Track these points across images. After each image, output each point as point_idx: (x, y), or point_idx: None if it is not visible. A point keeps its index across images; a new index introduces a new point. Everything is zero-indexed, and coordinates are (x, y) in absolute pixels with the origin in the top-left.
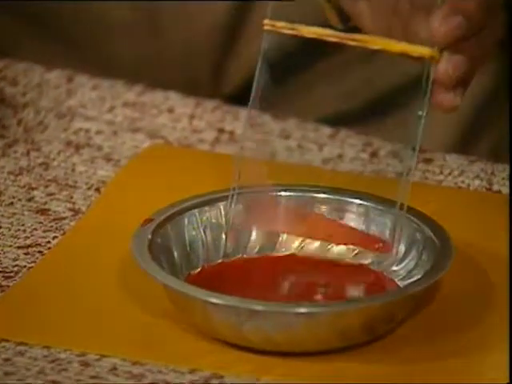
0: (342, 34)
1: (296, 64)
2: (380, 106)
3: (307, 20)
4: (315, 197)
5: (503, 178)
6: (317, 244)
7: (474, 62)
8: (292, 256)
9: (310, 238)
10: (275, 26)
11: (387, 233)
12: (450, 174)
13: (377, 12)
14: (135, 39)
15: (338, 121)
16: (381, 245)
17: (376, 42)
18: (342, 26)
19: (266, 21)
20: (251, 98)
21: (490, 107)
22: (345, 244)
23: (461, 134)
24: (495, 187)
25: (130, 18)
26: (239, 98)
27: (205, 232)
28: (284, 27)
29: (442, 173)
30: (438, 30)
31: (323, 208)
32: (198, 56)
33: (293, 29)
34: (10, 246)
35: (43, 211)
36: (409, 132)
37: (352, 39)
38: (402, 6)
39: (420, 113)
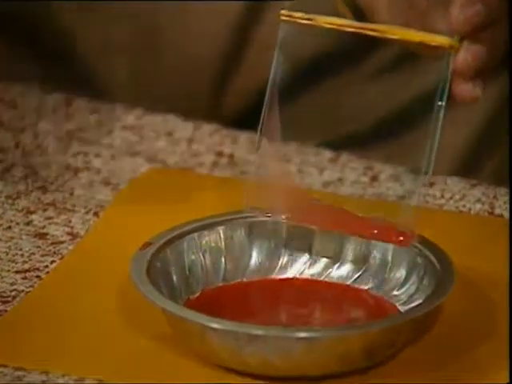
0: (360, 24)
1: (298, 88)
2: (384, 130)
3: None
4: None
5: (505, 202)
6: (317, 268)
7: (493, 52)
8: (292, 280)
9: (329, 229)
10: (292, 17)
11: (389, 256)
12: (451, 197)
13: (394, 6)
14: (134, 57)
15: (339, 145)
16: (402, 238)
17: (394, 32)
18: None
19: (283, 11)
20: (268, 91)
21: (492, 131)
22: (365, 236)
23: (463, 158)
24: (497, 211)
25: (129, 36)
26: (241, 120)
27: (204, 256)
28: (301, 17)
29: (443, 196)
30: (457, 18)
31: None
32: (199, 73)
33: (310, 19)
34: (8, 270)
35: (41, 235)
36: (413, 154)
37: (370, 29)
38: (419, 0)
39: (440, 103)
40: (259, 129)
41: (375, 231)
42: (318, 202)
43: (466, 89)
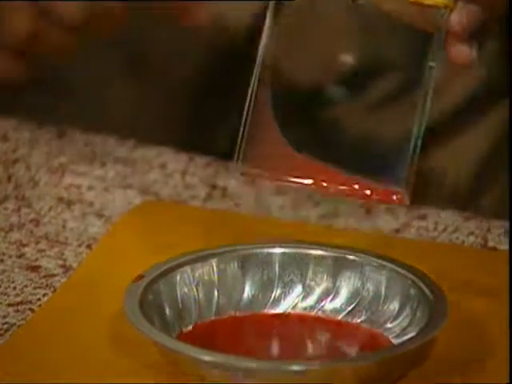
0: None
1: (294, 119)
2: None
3: None
4: (310, 253)
5: (499, 235)
6: (310, 301)
7: (489, 13)
8: (285, 314)
9: (322, 190)
10: None
11: (382, 289)
12: (444, 230)
13: None
14: (126, 88)
15: None
16: (399, 196)
17: None
18: None
19: None
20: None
21: (489, 167)
22: (363, 198)
23: (460, 194)
24: (490, 244)
25: (121, 66)
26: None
27: (197, 289)
28: None
29: (436, 229)
30: None
31: (319, 266)
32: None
33: None
34: (0, 303)
35: (34, 268)
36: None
37: None
38: None
39: (432, 64)
40: (237, 149)
41: (368, 191)
42: (312, 160)
43: (461, 50)
